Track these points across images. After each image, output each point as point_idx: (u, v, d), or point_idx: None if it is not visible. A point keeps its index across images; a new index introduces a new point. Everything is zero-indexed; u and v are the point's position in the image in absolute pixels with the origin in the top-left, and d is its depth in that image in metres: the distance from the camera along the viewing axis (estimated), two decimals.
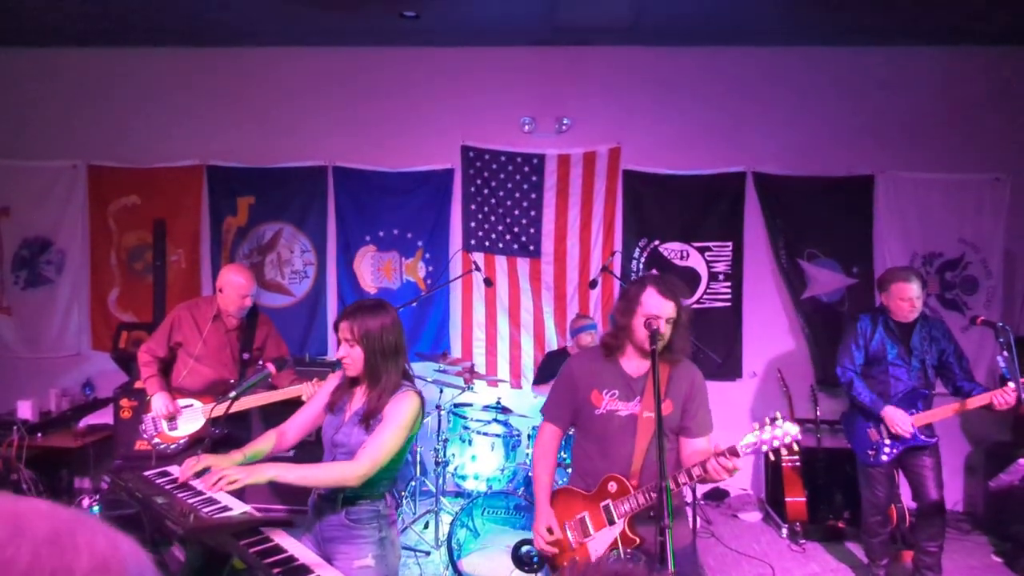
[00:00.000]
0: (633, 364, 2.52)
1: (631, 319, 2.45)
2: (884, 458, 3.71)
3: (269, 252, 5.69)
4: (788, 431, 2.16)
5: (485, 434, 4.34)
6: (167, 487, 2.22)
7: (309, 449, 3.07)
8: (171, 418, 3.70)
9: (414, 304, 5.31)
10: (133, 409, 4.27)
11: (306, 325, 5.64)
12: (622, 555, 2.29)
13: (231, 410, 2.74)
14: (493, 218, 5.60)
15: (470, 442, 4.36)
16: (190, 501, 2.10)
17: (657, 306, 2.40)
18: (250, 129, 5.63)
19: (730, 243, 5.49)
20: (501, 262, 5.61)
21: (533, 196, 5.57)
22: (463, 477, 4.34)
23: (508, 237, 5.59)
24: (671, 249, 5.53)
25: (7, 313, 5.72)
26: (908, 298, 3.66)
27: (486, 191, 5.59)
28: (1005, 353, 3.50)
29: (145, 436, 3.74)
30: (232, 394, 2.66)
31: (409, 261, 5.65)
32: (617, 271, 5.31)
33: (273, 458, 2.40)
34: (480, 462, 4.30)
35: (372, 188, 5.60)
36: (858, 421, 3.82)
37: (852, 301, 5.34)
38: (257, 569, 1.91)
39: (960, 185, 5.31)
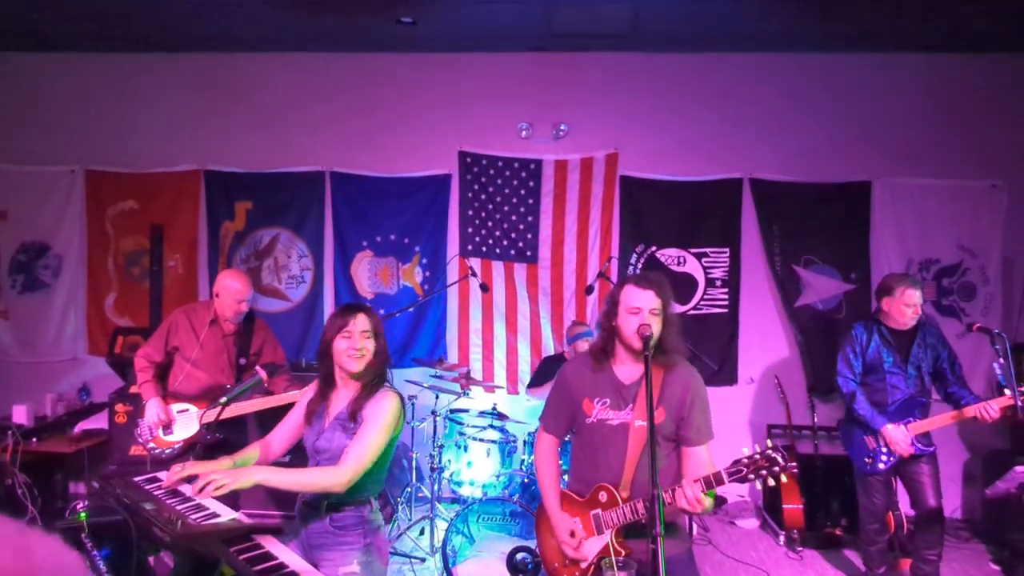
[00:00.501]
0: (625, 370, 2.47)
1: (615, 319, 2.43)
2: (881, 466, 3.70)
3: (266, 257, 5.69)
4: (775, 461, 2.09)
5: (481, 440, 4.33)
6: (156, 493, 2.21)
7: (303, 455, 3.06)
8: (165, 425, 3.69)
9: (411, 309, 5.32)
10: (128, 414, 4.26)
11: (303, 330, 5.63)
12: (613, 564, 2.27)
13: (224, 415, 2.73)
14: (490, 223, 5.60)
15: (466, 448, 4.35)
16: (178, 507, 2.09)
17: (636, 297, 2.39)
18: (248, 134, 5.64)
19: (727, 249, 5.49)
20: (498, 268, 5.60)
21: (530, 202, 5.57)
22: (459, 483, 4.32)
23: (505, 243, 5.58)
24: (668, 255, 5.52)
25: (4, 317, 5.72)
26: (913, 304, 3.65)
27: (483, 196, 5.59)
28: (1001, 360, 3.49)
29: (140, 441, 3.74)
30: (223, 399, 2.65)
31: (406, 266, 5.65)
32: (614, 277, 5.31)
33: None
34: (476, 468, 4.29)
35: (369, 193, 5.60)
36: (855, 429, 3.80)
37: (850, 307, 5.34)
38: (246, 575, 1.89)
39: (957, 191, 5.31)
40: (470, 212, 5.60)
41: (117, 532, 1.94)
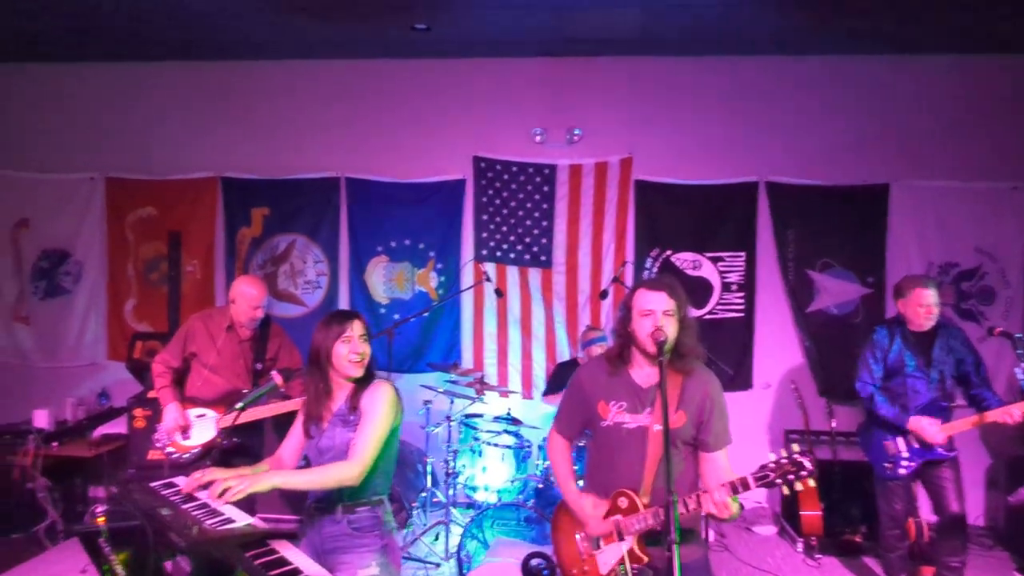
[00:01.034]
0: (643, 373, 2.46)
1: (630, 324, 2.42)
2: (902, 471, 3.65)
3: (283, 263, 5.74)
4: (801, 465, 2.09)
5: (496, 445, 4.33)
6: (172, 499, 2.23)
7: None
8: (183, 429, 3.73)
9: (426, 314, 5.33)
10: (147, 419, 4.29)
11: None
12: (629, 572, 2.25)
13: (240, 420, 2.76)
14: (505, 228, 5.60)
15: (480, 453, 4.35)
16: (194, 513, 2.11)
17: (648, 299, 2.38)
18: (264, 141, 5.70)
19: (743, 253, 5.45)
20: (513, 272, 5.60)
21: (545, 206, 5.56)
22: (473, 488, 4.32)
23: (520, 247, 5.59)
24: (683, 259, 5.49)
25: (26, 323, 5.81)
26: (926, 304, 3.62)
27: (498, 201, 5.60)
28: (1023, 364, 3.44)
29: (158, 445, 3.78)
30: (239, 405, 2.67)
31: (421, 271, 5.67)
32: (628, 281, 5.29)
33: None
34: (490, 473, 4.29)
35: (384, 199, 5.63)
36: (875, 433, 3.76)
37: (867, 312, 5.28)
38: None
39: (977, 194, 5.23)
40: (484, 217, 5.61)
41: (135, 537, 1.96)
